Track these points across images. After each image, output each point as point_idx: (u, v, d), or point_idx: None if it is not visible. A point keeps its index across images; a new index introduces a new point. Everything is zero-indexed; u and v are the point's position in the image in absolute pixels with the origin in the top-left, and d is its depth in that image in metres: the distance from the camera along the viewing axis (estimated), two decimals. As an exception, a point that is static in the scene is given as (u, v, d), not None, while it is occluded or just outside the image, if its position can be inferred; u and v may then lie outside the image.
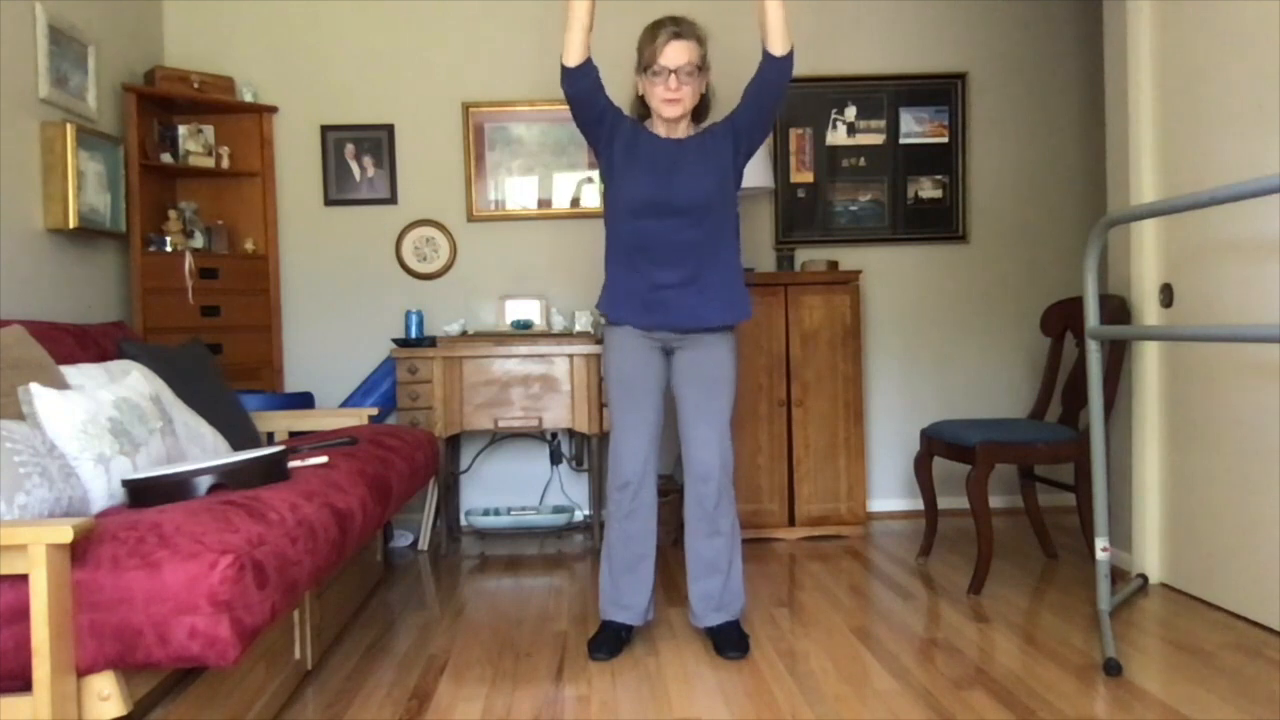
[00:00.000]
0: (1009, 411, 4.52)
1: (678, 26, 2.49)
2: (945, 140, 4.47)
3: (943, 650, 2.61)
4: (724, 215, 2.60)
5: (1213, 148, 2.90)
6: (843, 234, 4.47)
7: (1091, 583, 3.16)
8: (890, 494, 4.52)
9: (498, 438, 4.41)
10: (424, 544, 4.07)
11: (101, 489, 2.00)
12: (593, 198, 4.41)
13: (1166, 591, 3.12)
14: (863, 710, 2.21)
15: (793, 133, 4.45)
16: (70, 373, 2.38)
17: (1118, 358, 3.21)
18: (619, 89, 2.67)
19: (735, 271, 2.64)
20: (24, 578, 1.51)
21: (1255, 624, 2.75)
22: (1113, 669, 2.39)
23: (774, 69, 2.46)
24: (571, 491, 4.45)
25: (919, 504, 4.26)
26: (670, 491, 3.99)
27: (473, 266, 4.43)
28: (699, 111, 2.61)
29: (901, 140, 4.47)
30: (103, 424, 2.07)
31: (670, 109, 2.52)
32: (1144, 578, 3.18)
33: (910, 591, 3.20)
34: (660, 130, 2.59)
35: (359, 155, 4.39)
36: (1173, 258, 3.11)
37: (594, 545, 3.99)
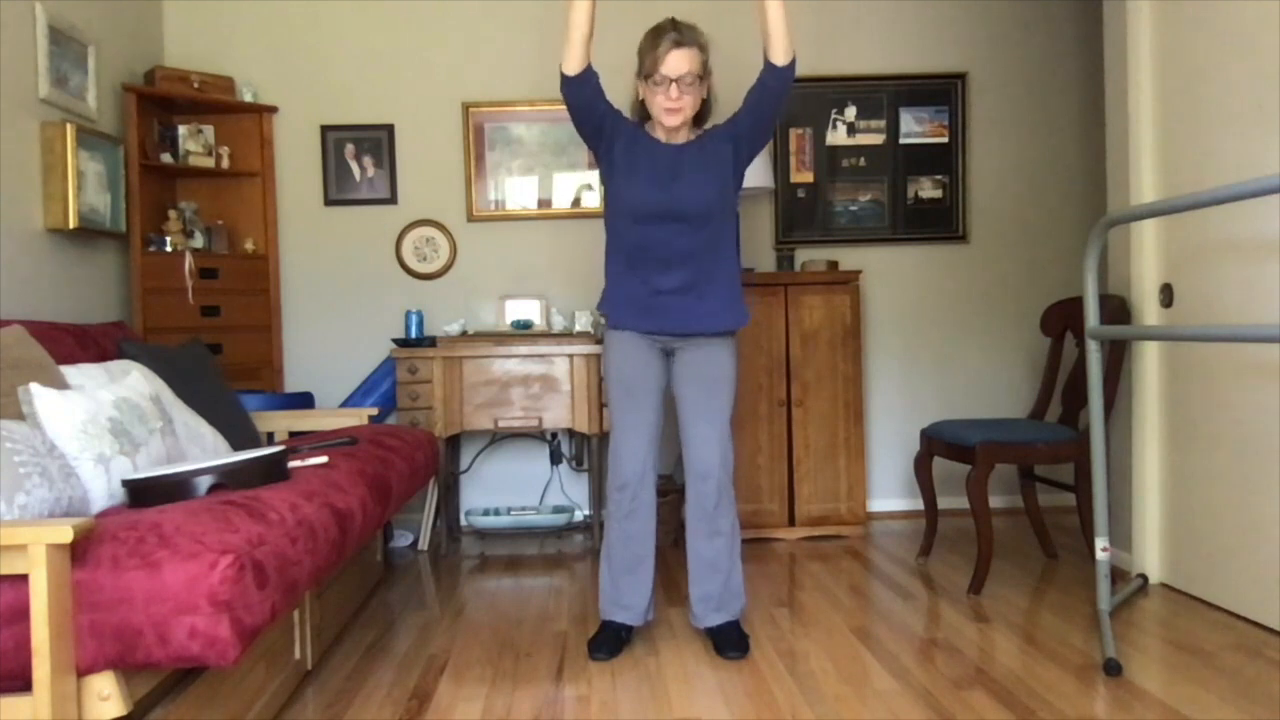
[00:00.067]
0: (1009, 411, 4.52)
1: (679, 34, 2.47)
2: (945, 140, 4.47)
3: (943, 650, 2.61)
4: (723, 221, 2.60)
5: (1213, 148, 2.90)
6: (843, 234, 4.47)
7: (1091, 583, 3.16)
8: (890, 494, 4.52)
9: (498, 438, 4.41)
10: (424, 544, 4.07)
11: (101, 489, 2.00)
12: (593, 199, 4.41)
13: (1166, 591, 3.12)
14: (863, 710, 2.21)
15: (793, 133, 4.45)
16: (70, 373, 2.38)
17: (1118, 358, 3.21)
18: (619, 94, 2.67)
19: (734, 277, 2.65)
20: (24, 578, 1.51)
21: (1255, 624, 2.75)
22: (1113, 669, 2.39)
23: (775, 77, 2.46)
24: (571, 491, 4.45)
25: (919, 504, 4.26)
26: (670, 491, 3.99)
27: (473, 266, 4.43)
28: (699, 116, 2.60)
29: (901, 140, 4.47)
30: (103, 424, 2.07)
31: (671, 118, 2.51)
32: (1144, 578, 3.18)
33: (910, 591, 3.20)
34: (660, 135, 2.59)
35: (359, 155, 4.39)
36: (1173, 258, 3.11)
37: (594, 545, 3.99)
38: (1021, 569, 3.44)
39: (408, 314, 4.14)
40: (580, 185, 4.41)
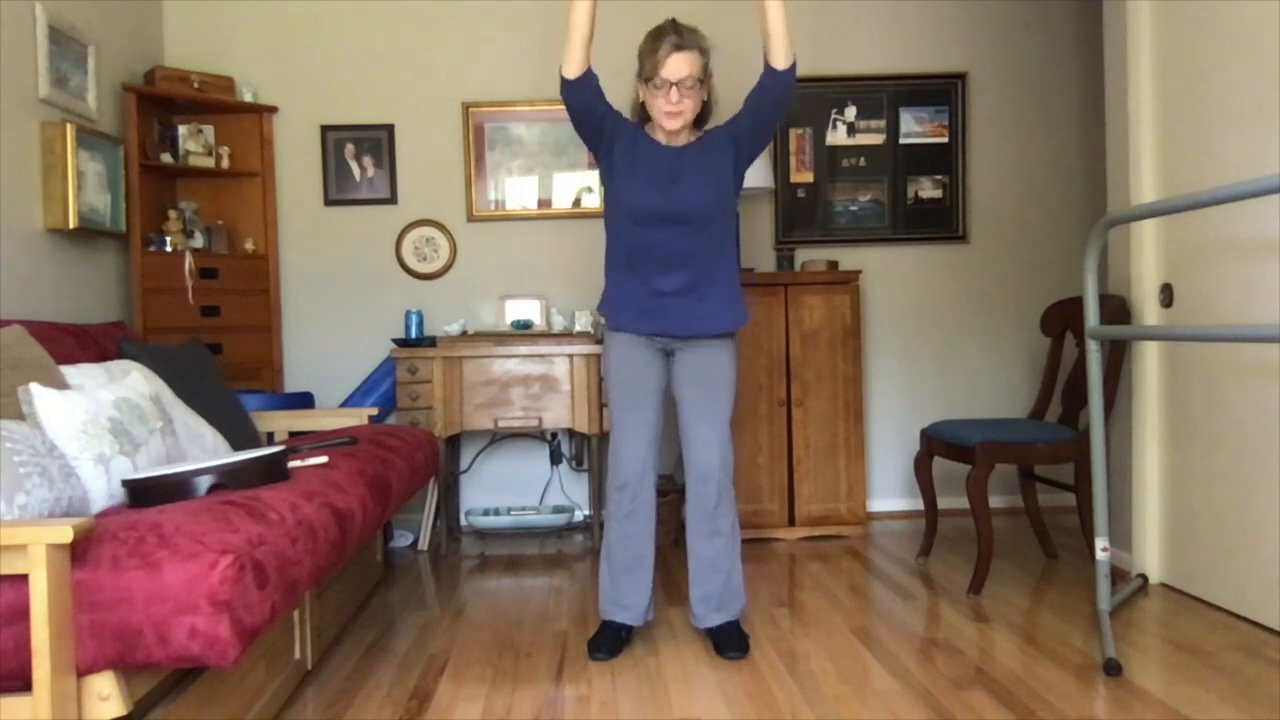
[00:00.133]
0: (1009, 411, 4.52)
1: (679, 37, 2.45)
2: (945, 140, 4.47)
3: (943, 650, 2.61)
4: (724, 223, 2.60)
5: (1213, 148, 2.90)
6: (843, 234, 4.47)
7: (1091, 583, 3.16)
8: (890, 494, 4.52)
9: (498, 438, 4.41)
10: (424, 544, 4.07)
11: (101, 489, 2.00)
12: (593, 200, 4.41)
13: (1166, 591, 3.12)
14: (863, 710, 2.21)
15: (793, 133, 4.45)
16: (70, 373, 2.38)
17: (1118, 358, 3.21)
18: (619, 96, 2.66)
19: (734, 278, 2.65)
20: (24, 578, 1.51)
21: (1255, 624, 2.75)
22: (1113, 669, 2.39)
23: (775, 81, 2.46)
24: (571, 491, 4.45)
25: (919, 504, 4.26)
26: (670, 491, 3.99)
27: (473, 266, 4.43)
28: (700, 117, 2.59)
29: (901, 140, 4.47)
30: (103, 424, 2.07)
31: (671, 121, 2.51)
32: (1144, 578, 3.18)
33: (910, 591, 3.20)
34: (661, 137, 2.58)
35: (359, 155, 4.39)
36: (1173, 258, 3.11)
37: (594, 545, 3.99)
38: (1021, 569, 3.44)
39: (408, 314, 4.14)
40: (580, 187, 4.41)
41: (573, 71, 2.44)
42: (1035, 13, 4.49)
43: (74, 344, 2.69)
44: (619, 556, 2.68)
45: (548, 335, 4.02)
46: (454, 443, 4.22)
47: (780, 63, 2.43)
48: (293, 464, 2.43)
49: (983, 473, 3.13)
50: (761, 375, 3.96)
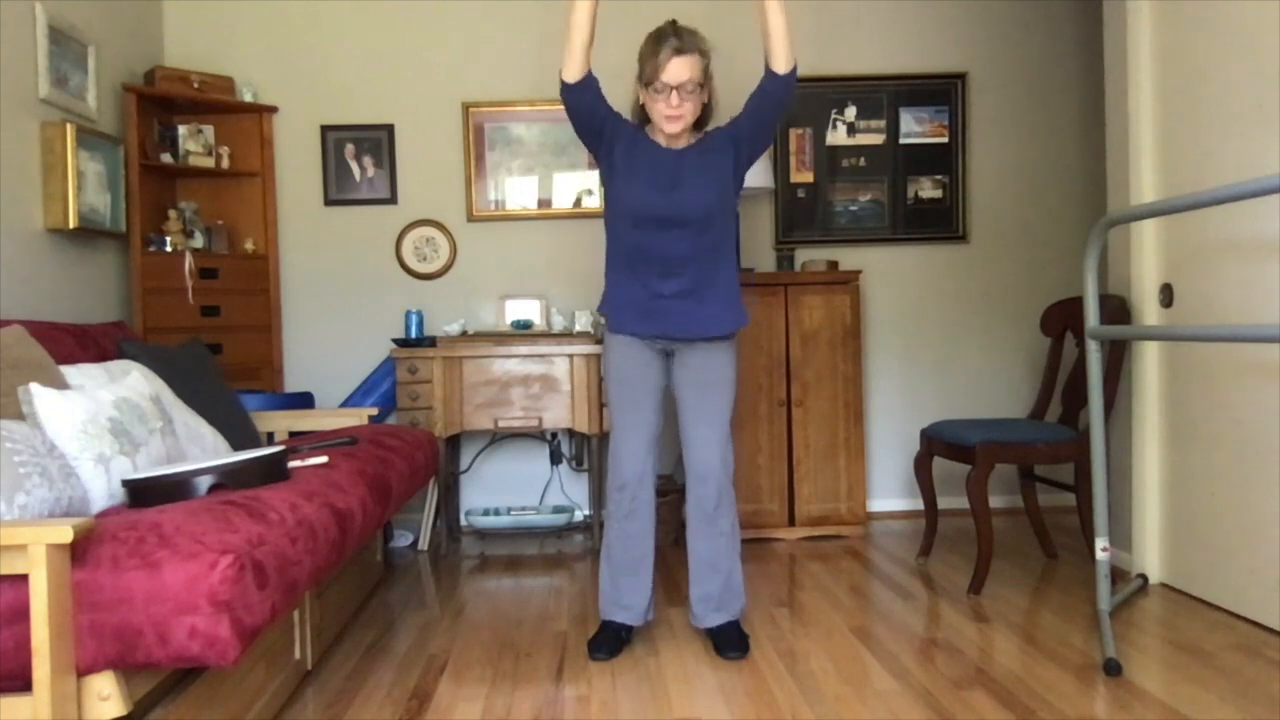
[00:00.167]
0: (1009, 411, 4.52)
1: (680, 41, 2.44)
2: (945, 140, 4.47)
3: (943, 650, 2.61)
4: (724, 225, 2.61)
5: (1213, 148, 2.90)
6: (843, 234, 4.47)
7: (1091, 583, 3.16)
8: (890, 494, 4.52)
9: (498, 438, 4.41)
10: (424, 544, 4.07)
11: (101, 489, 2.00)
12: (593, 201, 4.41)
13: (1166, 591, 3.12)
14: (863, 710, 2.21)
15: (793, 133, 4.45)
16: (70, 373, 2.38)
17: (1118, 358, 3.21)
18: (620, 99, 2.66)
19: (733, 280, 2.65)
20: (24, 578, 1.51)
21: (1255, 624, 2.75)
22: (1113, 669, 2.39)
23: (776, 85, 2.46)
24: (571, 491, 4.45)
25: (919, 504, 4.26)
26: (670, 491, 3.99)
27: (473, 266, 4.43)
28: (700, 119, 2.59)
29: (901, 140, 4.47)
30: (103, 424, 2.07)
31: (672, 125, 2.50)
32: (1144, 578, 3.18)
33: (910, 591, 3.20)
34: (661, 139, 2.58)
35: (359, 155, 4.39)
36: (1173, 258, 3.11)
37: (594, 545, 3.99)
38: (1021, 569, 3.44)
39: (408, 314, 4.14)
40: (581, 190, 4.41)
41: (573, 75, 2.44)
42: (1035, 13, 4.49)
43: (74, 344, 2.69)
44: (619, 556, 2.68)
45: (548, 335, 4.02)
46: (454, 443, 4.22)
47: (781, 67, 2.43)
48: (293, 464, 2.43)
49: (983, 473, 3.13)
50: (761, 375, 3.96)
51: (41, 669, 1.50)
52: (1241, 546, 2.80)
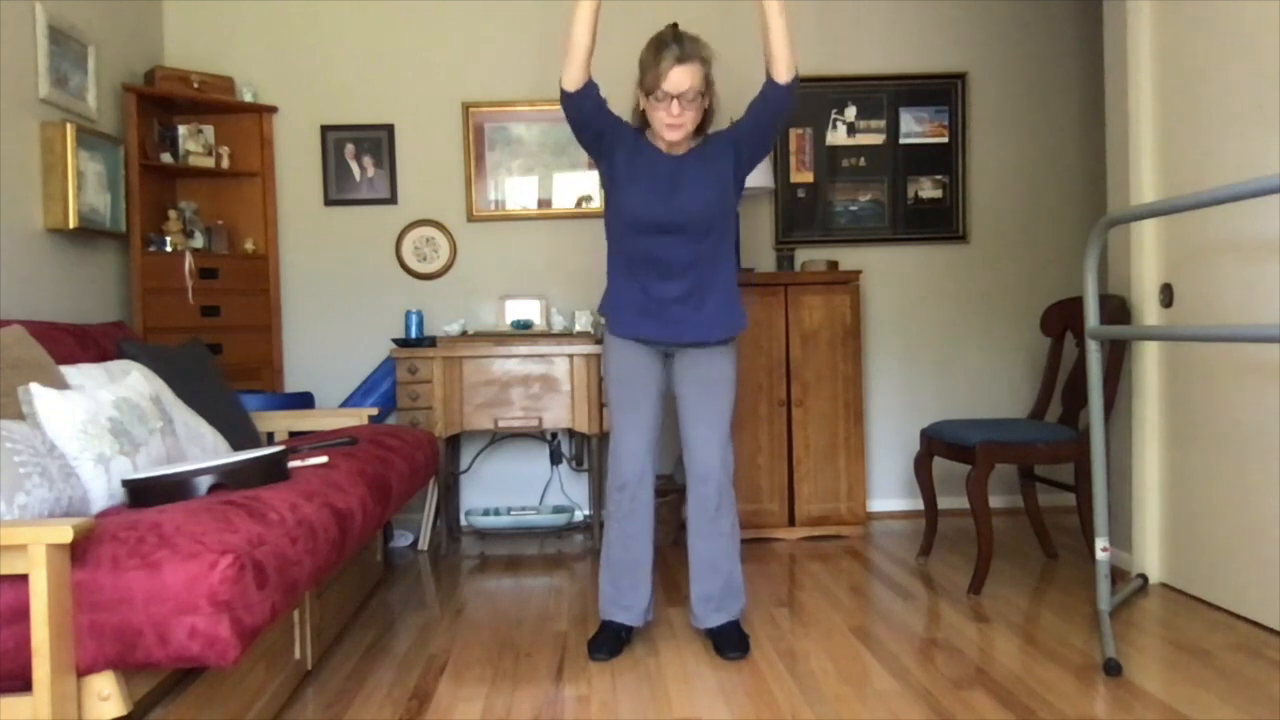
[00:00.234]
0: (1009, 411, 4.52)
1: (681, 49, 2.43)
2: (945, 140, 4.47)
3: (943, 650, 2.61)
4: (723, 230, 2.61)
5: (1213, 148, 2.90)
6: (843, 234, 4.47)
7: (1091, 583, 3.16)
8: (890, 494, 4.52)
9: (498, 438, 4.41)
10: (424, 544, 4.07)
11: (101, 489, 2.00)
12: (593, 202, 4.41)
13: (1166, 591, 3.12)
14: (863, 710, 2.21)
15: (793, 133, 4.45)
16: (70, 373, 2.38)
17: (1118, 358, 3.21)
18: (620, 100, 2.65)
19: (732, 284, 2.66)
20: (24, 578, 1.51)
21: (1255, 624, 2.75)
22: (1113, 669, 2.39)
23: (777, 94, 2.46)
24: (571, 491, 4.45)
25: (919, 504, 4.26)
26: (670, 491, 3.99)
27: (473, 266, 4.43)
28: (700, 124, 2.58)
29: (901, 140, 4.47)
30: (103, 424, 2.07)
31: (673, 133, 2.50)
32: (1144, 578, 3.18)
33: (910, 591, 3.20)
34: (661, 145, 2.58)
35: (359, 155, 4.39)
36: (1173, 258, 3.11)
37: (594, 545, 3.99)
38: (1021, 569, 3.44)
39: (408, 314, 4.14)
40: (581, 195, 4.41)
41: (573, 84, 2.44)
42: (1035, 13, 4.49)
43: (74, 344, 2.69)
44: (618, 556, 2.68)
45: (548, 335, 4.02)
46: (454, 443, 4.22)
47: (782, 77, 2.43)
48: (293, 464, 2.43)
49: (983, 473, 3.13)
50: (761, 375, 3.96)
51: (41, 669, 1.50)
52: (1241, 546, 2.80)
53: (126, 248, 3.80)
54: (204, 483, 2.01)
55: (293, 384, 4.37)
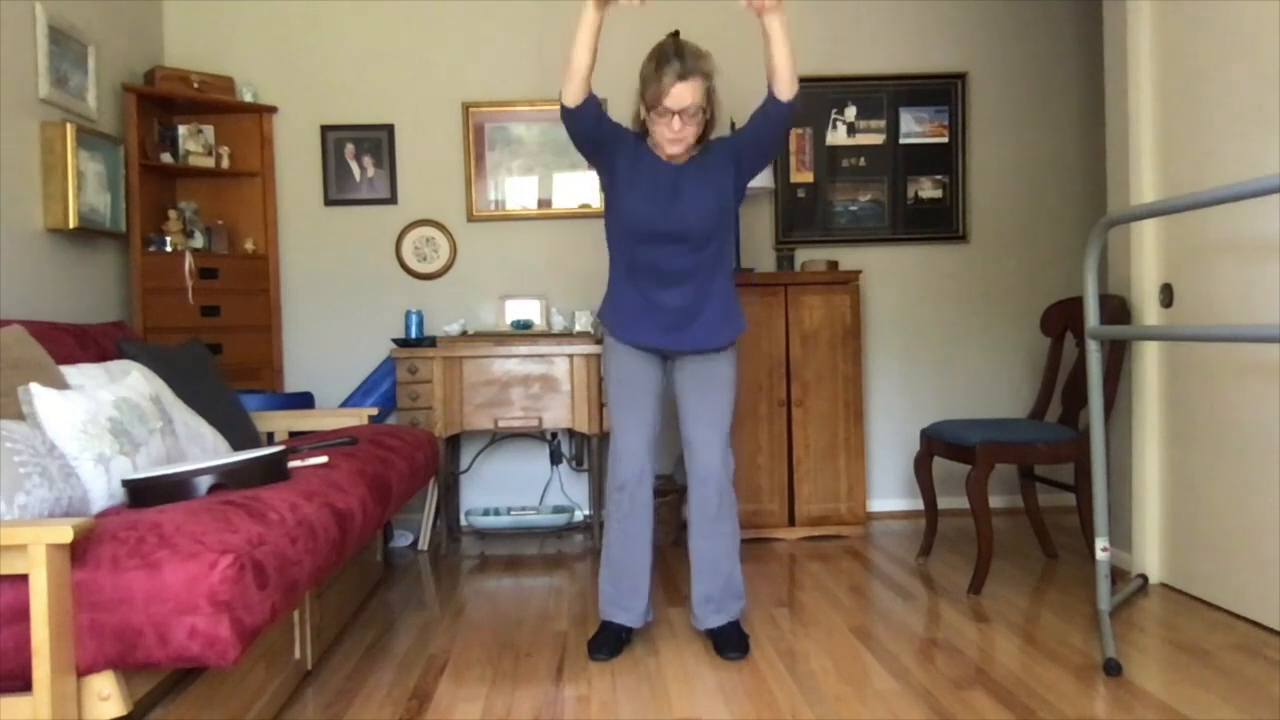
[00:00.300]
0: (1009, 411, 4.52)
1: (683, 65, 2.41)
2: (945, 140, 4.47)
3: (943, 650, 2.61)
4: (723, 240, 2.62)
5: (1213, 148, 2.90)
6: (843, 234, 4.47)
7: (1091, 583, 3.16)
8: (890, 494, 4.52)
9: (498, 438, 4.41)
10: (424, 544, 4.07)
11: (101, 489, 2.00)
12: (594, 201, 4.41)
13: (1166, 591, 3.12)
14: (863, 710, 2.21)
15: (793, 133, 4.44)
16: (70, 373, 2.38)
17: (1118, 358, 3.21)
18: (621, 106, 2.65)
19: (731, 293, 2.67)
20: (24, 578, 1.51)
21: (1255, 624, 2.75)
22: (1113, 669, 2.39)
23: (779, 110, 2.47)
24: (571, 491, 4.45)
25: (919, 504, 4.26)
26: (670, 491, 3.99)
27: (473, 266, 4.43)
28: (701, 135, 2.58)
29: (901, 140, 4.47)
30: (103, 424, 2.07)
31: (674, 148, 2.51)
32: (1144, 578, 3.18)
33: (910, 591, 3.20)
34: (662, 154, 2.58)
35: (359, 155, 4.39)
36: (1173, 258, 3.11)
37: (594, 545, 3.99)
38: (1021, 569, 3.44)
39: (408, 314, 4.14)
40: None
41: (573, 100, 2.43)
42: (1035, 13, 4.49)
43: (74, 344, 2.69)
44: (618, 557, 2.68)
45: (548, 335, 4.02)
46: (454, 443, 4.22)
47: (784, 94, 2.44)
48: (293, 464, 2.43)
49: (983, 473, 3.13)
50: (761, 375, 3.96)
51: (41, 669, 1.50)
52: (1241, 546, 2.80)
53: (126, 248, 3.80)
54: (204, 483, 2.01)
55: (293, 384, 4.37)
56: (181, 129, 4.06)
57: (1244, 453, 2.79)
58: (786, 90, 2.43)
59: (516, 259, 4.44)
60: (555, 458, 4.40)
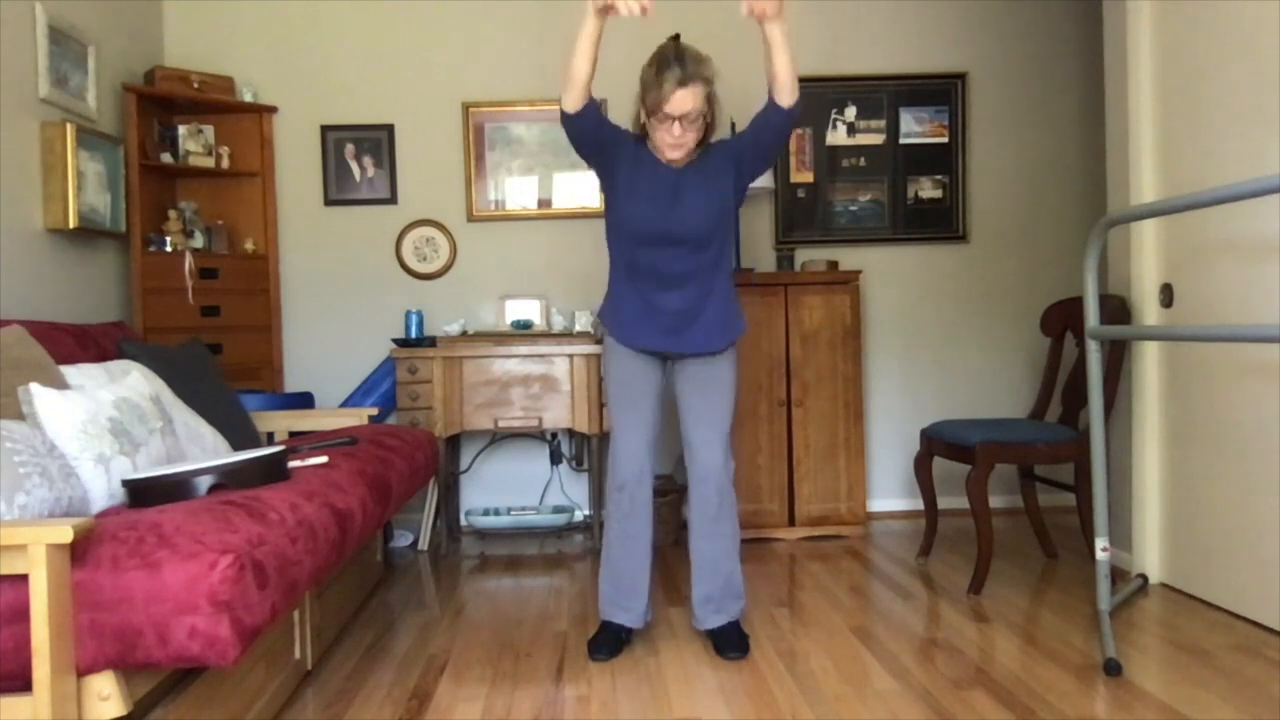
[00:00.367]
0: (1009, 411, 4.52)
1: (683, 71, 2.41)
2: (945, 140, 4.47)
3: (943, 650, 2.61)
4: (723, 243, 2.62)
5: (1213, 148, 2.90)
6: (843, 234, 4.47)
7: (1091, 583, 3.16)
8: (890, 494, 4.52)
9: (498, 438, 4.41)
10: (424, 544, 4.07)
11: (101, 489, 2.00)
12: (593, 201, 4.41)
13: (1166, 591, 3.12)
14: (863, 710, 2.21)
15: (793, 133, 4.43)
16: (70, 373, 2.38)
17: (1118, 358, 3.21)
18: (621, 108, 2.64)
19: (731, 295, 2.67)
20: (24, 578, 1.51)
21: (1255, 624, 2.75)
22: (1113, 669, 2.39)
23: (780, 116, 2.47)
24: (571, 491, 4.45)
25: (919, 504, 4.26)
26: (670, 491, 3.99)
27: (473, 266, 4.43)
28: (702, 138, 2.57)
29: (901, 140, 4.47)
30: (103, 424, 2.07)
31: (674, 153, 2.51)
32: (1144, 578, 3.18)
33: (910, 591, 3.20)
34: (662, 158, 2.58)
35: (359, 155, 4.39)
36: (1173, 258, 3.11)
37: (594, 545, 3.99)
38: (1021, 569, 3.44)
39: (408, 314, 4.14)
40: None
41: (573, 107, 2.43)
42: (1035, 13, 4.49)
43: (74, 344, 2.69)
44: (618, 557, 2.68)
45: (548, 335, 4.02)
46: (454, 443, 4.22)
47: (784, 102, 2.44)
48: (293, 464, 2.43)
49: (983, 473, 3.13)
50: (761, 375, 3.96)
51: (41, 669, 1.50)
52: (1241, 546, 2.80)
53: (126, 248, 3.80)
54: (204, 483, 2.01)
55: (293, 384, 4.37)
56: (181, 129, 4.06)
57: (1244, 453, 2.79)
58: (787, 97, 2.44)
59: (516, 259, 4.44)
60: (555, 458, 4.40)
